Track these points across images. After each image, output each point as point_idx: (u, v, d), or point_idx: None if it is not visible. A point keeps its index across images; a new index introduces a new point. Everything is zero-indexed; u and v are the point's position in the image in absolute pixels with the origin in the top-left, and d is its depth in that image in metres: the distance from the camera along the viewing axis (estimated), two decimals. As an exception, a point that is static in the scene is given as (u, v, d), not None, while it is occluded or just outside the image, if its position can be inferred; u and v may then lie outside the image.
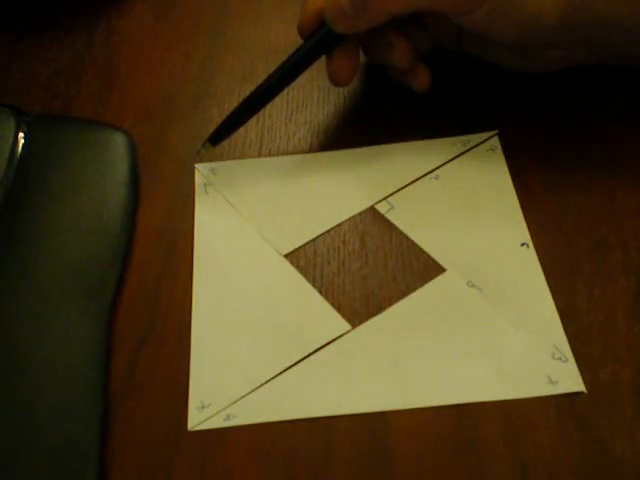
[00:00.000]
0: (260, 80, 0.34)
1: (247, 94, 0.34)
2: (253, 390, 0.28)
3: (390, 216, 0.33)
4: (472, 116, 0.36)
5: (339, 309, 0.30)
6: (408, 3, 0.32)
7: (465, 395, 0.27)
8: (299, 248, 0.32)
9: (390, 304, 0.30)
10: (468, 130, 0.36)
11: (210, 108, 0.38)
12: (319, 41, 0.34)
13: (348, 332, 0.29)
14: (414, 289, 0.30)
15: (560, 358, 0.28)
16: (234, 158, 0.36)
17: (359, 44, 0.35)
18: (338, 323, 0.30)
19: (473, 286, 0.30)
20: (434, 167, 0.34)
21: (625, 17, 0.31)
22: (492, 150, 0.35)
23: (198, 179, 0.35)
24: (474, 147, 0.35)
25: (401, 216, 0.33)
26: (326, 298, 0.30)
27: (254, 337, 0.29)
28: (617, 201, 0.32)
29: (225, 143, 0.36)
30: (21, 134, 0.36)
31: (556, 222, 0.32)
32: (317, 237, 0.33)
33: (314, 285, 0.31)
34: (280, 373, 0.28)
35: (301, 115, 0.38)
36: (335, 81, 0.35)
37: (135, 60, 0.41)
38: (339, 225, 0.33)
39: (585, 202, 0.33)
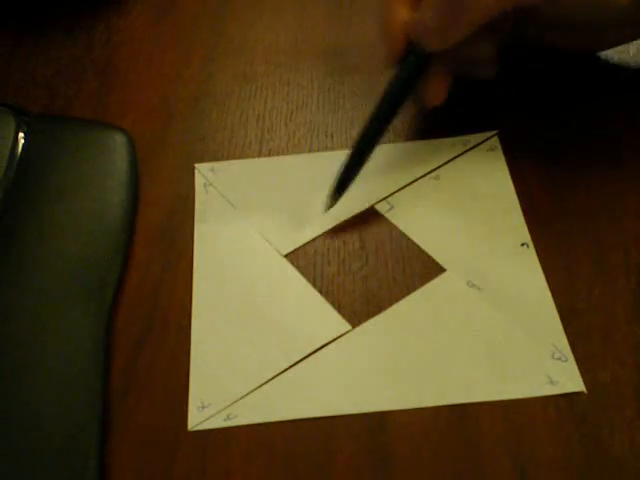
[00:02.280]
0: (261, 80, 0.34)
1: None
2: (253, 390, 0.28)
3: (390, 216, 0.33)
4: (472, 116, 0.36)
5: (339, 309, 0.30)
6: (499, 5, 0.30)
7: (465, 395, 0.27)
8: (299, 248, 0.32)
9: (390, 304, 0.30)
10: (468, 130, 0.36)
11: (210, 108, 0.38)
12: (412, 68, 0.32)
13: (348, 332, 0.29)
14: (414, 289, 0.30)
15: (560, 358, 0.28)
16: (234, 158, 0.36)
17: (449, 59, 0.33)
18: (338, 323, 0.30)
19: (473, 286, 0.30)
20: (434, 167, 0.34)
21: None
22: (492, 150, 0.35)
23: (198, 179, 0.35)
24: (474, 147, 0.35)
25: (401, 216, 0.33)
26: (326, 298, 0.30)
27: (254, 337, 0.29)
28: (617, 201, 0.32)
29: (225, 143, 0.36)
30: (21, 134, 0.36)
31: (556, 222, 0.32)
32: (317, 237, 0.33)
33: (314, 285, 0.31)
34: (280, 373, 0.28)
35: (301, 115, 0.38)
36: (431, 102, 0.34)
37: (135, 60, 0.41)
38: (339, 225, 0.33)
39: (585, 202, 0.33)
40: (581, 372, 0.27)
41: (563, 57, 0.37)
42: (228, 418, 0.27)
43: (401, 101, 0.33)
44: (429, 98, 0.34)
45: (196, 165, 0.36)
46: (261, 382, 0.28)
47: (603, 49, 0.36)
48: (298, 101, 0.38)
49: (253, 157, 0.36)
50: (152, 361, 0.29)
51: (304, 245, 0.32)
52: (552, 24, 0.33)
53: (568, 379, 0.27)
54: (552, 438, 0.26)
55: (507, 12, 0.31)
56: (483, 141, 0.35)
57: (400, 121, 0.37)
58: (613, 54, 0.38)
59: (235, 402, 0.28)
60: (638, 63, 0.38)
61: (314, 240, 0.32)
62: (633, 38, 0.36)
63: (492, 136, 0.35)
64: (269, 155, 0.36)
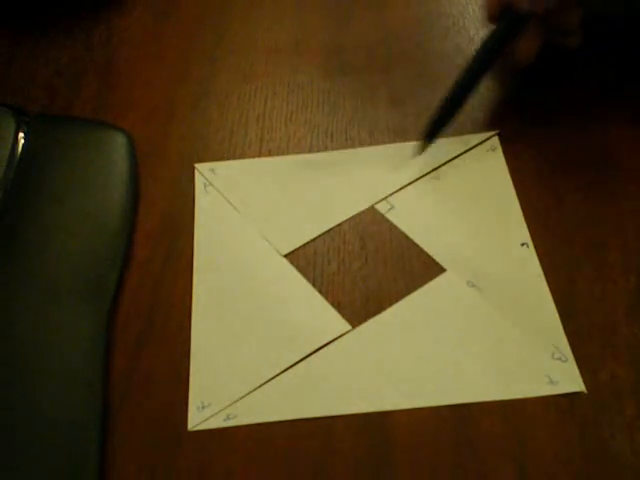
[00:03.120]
0: (261, 80, 0.34)
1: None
2: (253, 390, 0.28)
3: (390, 216, 0.33)
4: (472, 116, 0.36)
5: (339, 309, 0.30)
6: None
7: (465, 395, 0.27)
8: (299, 248, 0.32)
9: (390, 304, 0.30)
10: (468, 130, 0.36)
11: (210, 108, 0.38)
12: (509, 26, 0.34)
13: (348, 332, 0.29)
14: (414, 289, 0.30)
15: (560, 358, 0.28)
16: (234, 158, 0.36)
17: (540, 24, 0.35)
18: (338, 323, 0.30)
19: (473, 286, 0.30)
20: (434, 167, 0.34)
21: None
22: (492, 150, 0.35)
23: (198, 179, 0.35)
24: (474, 147, 0.35)
25: (401, 216, 0.33)
26: (326, 298, 0.30)
27: (254, 337, 0.29)
28: (617, 201, 0.32)
29: (225, 143, 0.36)
30: (21, 134, 0.36)
31: (556, 222, 0.32)
32: (317, 237, 0.33)
33: (314, 285, 0.31)
34: (280, 373, 0.28)
35: (301, 115, 0.38)
36: (522, 61, 0.35)
37: (135, 60, 0.41)
38: (339, 225, 0.33)
39: (585, 202, 0.33)
40: (581, 372, 0.27)
41: (563, 57, 0.37)
42: (228, 418, 0.27)
43: (494, 56, 0.35)
44: (520, 58, 0.35)
45: (196, 165, 0.36)
46: (261, 382, 0.28)
47: None
48: (298, 101, 0.38)
49: (253, 157, 0.36)
50: (152, 361, 0.29)
51: (304, 245, 0.32)
52: None
53: (568, 379, 0.27)
54: (552, 438, 0.26)
55: None
56: (483, 141, 0.35)
57: (400, 121, 0.37)
58: (613, 55, 0.38)
59: (235, 402, 0.28)
60: (638, 64, 0.38)
61: (314, 240, 0.32)
62: None
63: (492, 136, 0.35)
64: (269, 155, 0.36)
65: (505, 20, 0.34)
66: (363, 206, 0.33)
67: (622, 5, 0.36)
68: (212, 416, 0.27)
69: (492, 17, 0.35)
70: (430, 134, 0.34)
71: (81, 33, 0.43)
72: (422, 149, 0.34)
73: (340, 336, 0.29)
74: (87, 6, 0.44)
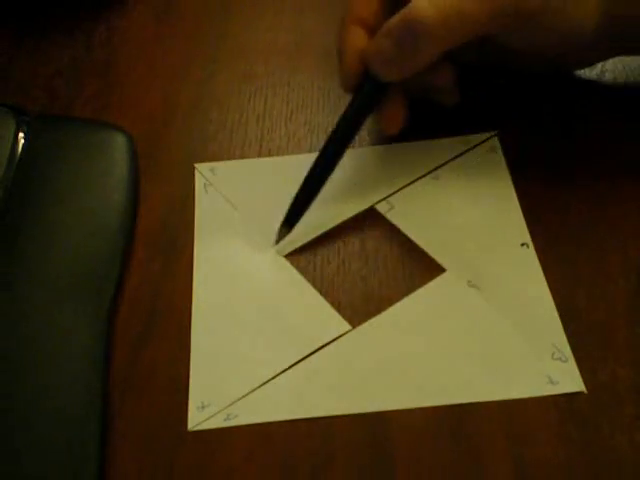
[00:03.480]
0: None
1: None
2: (253, 390, 0.28)
3: (390, 216, 0.33)
4: (472, 116, 0.36)
5: (339, 309, 0.30)
6: (465, 36, 0.30)
7: (465, 395, 0.27)
8: (299, 248, 0.32)
9: (390, 304, 0.30)
10: (468, 130, 0.36)
11: (210, 108, 0.38)
12: (367, 98, 0.32)
13: (348, 332, 0.29)
14: (414, 289, 0.30)
15: (560, 358, 0.28)
16: (234, 158, 0.36)
17: (403, 89, 0.33)
18: (338, 323, 0.30)
19: (473, 286, 0.30)
20: (434, 167, 0.34)
21: None
22: (492, 150, 0.35)
23: (198, 179, 0.35)
24: (474, 147, 0.35)
25: (401, 216, 0.33)
26: (326, 298, 0.30)
27: (254, 337, 0.29)
28: (617, 201, 0.32)
29: (225, 143, 0.36)
30: (21, 134, 0.36)
31: (556, 222, 0.32)
32: (317, 237, 0.33)
33: (314, 285, 0.31)
34: (280, 373, 0.28)
35: (301, 115, 0.38)
36: (388, 131, 0.33)
37: (135, 60, 0.41)
38: (339, 225, 0.33)
39: (585, 202, 0.33)
40: (581, 372, 0.27)
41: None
42: (228, 418, 0.27)
43: (355, 129, 0.32)
44: (386, 126, 0.33)
45: (196, 165, 0.36)
46: (261, 382, 0.28)
47: (570, 71, 0.37)
48: (298, 101, 0.38)
49: (253, 157, 0.36)
50: (152, 361, 0.29)
51: (304, 245, 0.32)
52: (516, 51, 0.32)
53: (568, 379, 0.27)
54: (552, 438, 0.26)
55: (466, 42, 0.30)
56: (483, 141, 0.35)
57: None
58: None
59: (235, 402, 0.28)
60: (638, 65, 0.38)
61: (314, 240, 0.32)
62: (599, 60, 0.36)
63: (492, 136, 0.35)
64: (269, 155, 0.36)
65: (365, 89, 0.31)
66: (363, 206, 0.33)
67: (497, 54, 0.34)
68: (212, 416, 0.27)
69: (349, 88, 0.32)
70: (290, 220, 0.32)
71: (81, 33, 0.43)
72: (282, 236, 0.32)
73: (340, 336, 0.29)
74: (87, 6, 0.44)
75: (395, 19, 0.30)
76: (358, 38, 0.32)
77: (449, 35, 0.29)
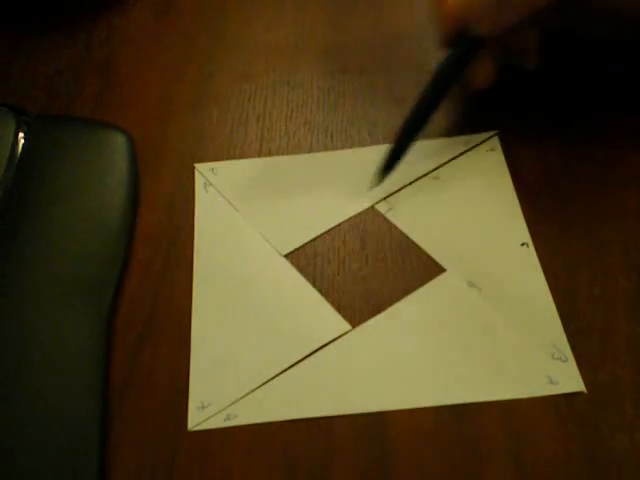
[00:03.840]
0: (261, 80, 0.34)
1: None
2: (253, 390, 0.28)
3: (390, 216, 0.33)
4: (472, 116, 0.36)
5: (339, 309, 0.30)
6: None
7: (465, 395, 0.27)
8: (299, 248, 0.32)
9: (390, 304, 0.30)
10: (468, 130, 0.36)
11: (210, 108, 0.38)
12: (464, 51, 0.33)
13: (348, 332, 0.29)
14: (414, 289, 0.30)
15: (560, 358, 0.28)
16: (234, 158, 0.36)
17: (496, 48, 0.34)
18: (338, 323, 0.30)
19: (473, 286, 0.30)
20: (434, 167, 0.34)
21: None
22: (492, 150, 0.35)
23: (198, 179, 0.35)
24: (474, 147, 0.35)
25: (401, 216, 0.33)
26: (326, 298, 0.30)
27: (254, 337, 0.29)
28: (617, 201, 0.32)
29: (225, 143, 0.36)
30: (21, 134, 0.36)
31: (556, 222, 0.32)
32: (317, 237, 0.33)
33: (314, 285, 0.31)
34: (280, 373, 0.28)
35: (301, 115, 0.38)
36: (479, 85, 0.35)
37: (135, 60, 0.41)
38: (339, 225, 0.33)
39: (585, 202, 0.33)
40: (581, 372, 0.27)
41: (563, 57, 0.37)
42: (228, 418, 0.27)
43: (450, 82, 0.34)
44: (477, 81, 0.34)
45: (196, 165, 0.36)
46: (261, 382, 0.28)
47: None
48: (298, 101, 0.38)
49: (253, 157, 0.36)
50: (152, 361, 0.29)
51: (304, 245, 0.32)
52: (599, 15, 0.33)
53: (568, 379, 0.27)
54: (552, 438, 0.26)
55: (554, 2, 0.31)
56: (483, 141, 0.35)
57: (400, 121, 0.37)
58: (615, 54, 0.38)
59: (235, 402, 0.28)
60: (638, 64, 0.38)
61: (314, 240, 0.32)
62: None
63: (492, 136, 0.35)
64: (269, 155, 0.36)
65: (462, 44, 0.33)
66: (363, 206, 0.33)
67: (584, 24, 0.35)
68: (212, 416, 0.27)
69: (447, 43, 0.34)
70: (388, 166, 0.33)
71: (81, 33, 0.43)
72: (379, 182, 0.33)
73: (340, 336, 0.29)
74: (87, 6, 0.44)
75: None
76: None
77: None
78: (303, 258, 0.32)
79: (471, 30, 0.32)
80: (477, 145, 0.35)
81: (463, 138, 0.35)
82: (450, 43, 0.33)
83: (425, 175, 0.34)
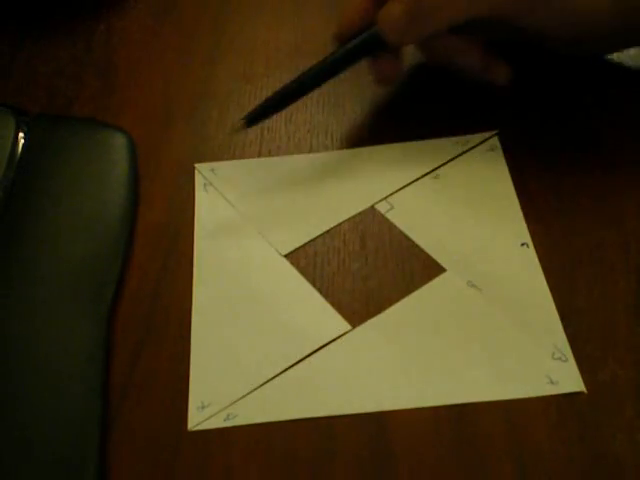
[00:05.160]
0: (261, 80, 0.34)
1: (280, 86, 0.35)
2: (253, 390, 0.28)
3: (390, 216, 0.33)
4: (472, 116, 0.36)
5: (339, 309, 0.30)
6: (469, 12, 0.32)
7: (465, 395, 0.27)
8: (299, 248, 0.32)
9: (390, 304, 0.30)
10: (468, 130, 0.36)
11: (210, 108, 0.38)
12: (365, 43, 0.34)
13: (348, 332, 0.29)
14: (414, 289, 0.30)
15: (560, 358, 0.28)
16: (234, 158, 0.36)
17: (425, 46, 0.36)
18: (338, 323, 0.30)
19: (473, 286, 0.30)
20: (434, 167, 0.34)
21: None
22: (492, 150, 0.35)
23: (198, 179, 0.35)
24: (474, 147, 0.35)
25: (401, 216, 0.33)
26: (326, 298, 0.30)
27: (254, 337, 0.29)
28: (617, 201, 0.32)
29: (225, 143, 0.36)
30: (21, 134, 0.36)
31: (556, 222, 0.32)
32: (317, 237, 0.33)
33: (314, 285, 0.31)
34: (280, 373, 0.28)
35: (301, 115, 0.38)
36: (380, 81, 0.36)
37: (135, 60, 0.41)
38: (339, 225, 0.33)
39: (585, 202, 0.33)
40: (581, 372, 0.27)
41: (563, 57, 0.37)
42: (228, 418, 0.27)
43: (341, 67, 0.34)
44: (378, 76, 0.36)
45: (196, 165, 0.36)
46: (261, 382, 0.28)
47: (587, 55, 0.37)
48: (298, 101, 0.38)
49: (253, 157, 0.36)
50: (152, 361, 0.29)
51: (304, 245, 0.32)
52: (533, 33, 0.34)
53: (568, 379, 0.27)
54: (552, 438, 0.26)
55: (480, 20, 0.32)
56: (483, 141, 0.35)
57: (400, 121, 0.37)
58: (613, 54, 0.38)
59: (235, 402, 0.28)
60: (638, 64, 0.38)
61: (314, 240, 0.32)
62: (615, 49, 0.36)
63: (492, 136, 0.35)
64: (269, 155, 0.36)
65: (363, 36, 0.34)
66: (363, 206, 0.33)
67: (517, 33, 0.35)
68: (212, 416, 0.27)
69: (342, 39, 0.34)
70: (253, 119, 0.34)
71: (81, 33, 0.43)
72: (238, 129, 0.35)
73: (340, 336, 0.29)
74: (87, 6, 0.44)
75: None
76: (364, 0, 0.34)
77: (456, 9, 0.32)
78: (303, 258, 0.32)
79: (381, 35, 0.33)
80: (477, 145, 0.35)
81: (463, 138, 0.35)
82: (346, 41, 0.34)
83: (425, 175, 0.34)
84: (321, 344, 0.29)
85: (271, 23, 0.43)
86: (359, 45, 0.34)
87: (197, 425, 0.27)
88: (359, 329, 0.29)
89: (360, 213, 0.33)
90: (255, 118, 0.34)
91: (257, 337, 0.29)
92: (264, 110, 0.34)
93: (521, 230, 0.32)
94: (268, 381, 0.28)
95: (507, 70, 0.36)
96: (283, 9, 0.44)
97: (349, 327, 0.30)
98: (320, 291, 0.31)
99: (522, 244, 0.31)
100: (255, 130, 0.37)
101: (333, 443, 0.26)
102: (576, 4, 0.31)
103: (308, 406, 0.27)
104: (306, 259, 0.32)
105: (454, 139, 0.35)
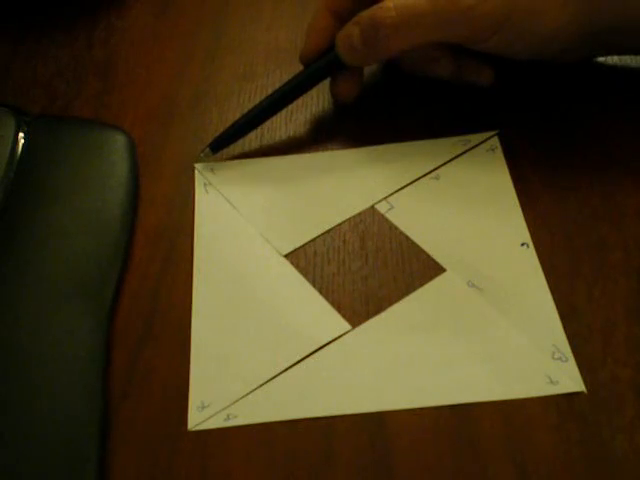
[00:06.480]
0: (261, 80, 0.34)
1: (249, 107, 0.36)
2: (253, 390, 0.28)
3: (390, 216, 0.33)
4: (472, 116, 0.36)
5: (339, 309, 0.30)
6: (421, 39, 0.33)
7: (465, 395, 0.27)
8: (299, 248, 0.32)
9: (390, 304, 0.30)
10: (468, 130, 0.36)
11: (210, 108, 0.38)
12: (326, 65, 0.35)
13: (348, 332, 0.29)
14: (414, 289, 0.30)
15: (560, 358, 0.28)
16: (234, 158, 0.36)
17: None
18: (338, 323, 0.30)
19: (473, 286, 0.30)
20: (434, 167, 0.34)
21: (635, 19, 0.32)
22: (492, 150, 0.35)
23: (198, 179, 0.35)
24: (474, 147, 0.35)
25: (401, 216, 0.33)
26: (326, 298, 0.30)
27: (254, 337, 0.29)
28: (617, 201, 0.32)
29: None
30: (21, 134, 0.36)
31: (556, 222, 0.32)
32: (317, 237, 0.33)
33: (314, 285, 0.31)
34: (280, 373, 0.28)
35: (301, 115, 0.38)
36: (339, 100, 0.37)
37: (135, 60, 0.41)
38: (339, 225, 0.33)
39: (585, 202, 0.33)
40: (581, 372, 0.27)
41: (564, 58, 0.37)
42: (228, 418, 0.27)
43: (303, 89, 0.36)
44: (336, 95, 0.36)
45: (196, 165, 0.36)
46: (261, 382, 0.28)
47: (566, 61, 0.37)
48: (298, 101, 0.37)
49: (253, 157, 0.36)
50: (152, 361, 0.29)
51: (304, 245, 0.32)
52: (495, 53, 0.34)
53: (568, 379, 0.27)
54: (552, 438, 0.26)
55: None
56: (483, 141, 0.35)
57: (400, 121, 0.37)
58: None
59: (235, 402, 0.28)
60: (638, 64, 0.38)
61: (314, 240, 0.32)
62: (580, 58, 0.36)
63: (492, 136, 0.35)
64: (269, 155, 0.36)
65: (325, 58, 0.35)
66: (363, 206, 0.33)
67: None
68: (212, 416, 0.27)
69: (307, 62, 0.35)
70: (216, 145, 0.35)
71: (81, 33, 0.43)
72: (202, 159, 0.35)
73: (340, 336, 0.29)
74: (87, 6, 0.44)
75: (366, 12, 0.33)
76: (326, 22, 0.35)
77: (408, 37, 0.32)
78: (303, 258, 0.32)
79: (339, 56, 0.34)
80: (477, 145, 0.35)
81: (463, 138, 0.35)
82: (310, 63, 0.35)
83: (425, 175, 0.34)
84: (321, 344, 0.29)
85: (270, 22, 0.43)
86: (322, 67, 0.35)
87: (197, 425, 0.27)
88: (359, 329, 0.29)
89: (360, 213, 0.33)
90: (221, 144, 0.35)
91: (257, 337, 0.29)
92: (230, 135, 0.35)
93: (521, 230, 0.32)
94: (268, 381, 0.28)
95: (489, 72, 0.36)
96: (283, 9, 0.44)
97: (349, 327, 0.30)
98: (320, 291, 0.31)
99: (522, 244, 0.31)
100: (255, 130, 0.37)
101: (333, 443, 0.26)
102: (539, 26, 0.32)
103: (308, 406, 0.27)
104: (306, 259, 0.32)
105: (454, 139, 0.35)
